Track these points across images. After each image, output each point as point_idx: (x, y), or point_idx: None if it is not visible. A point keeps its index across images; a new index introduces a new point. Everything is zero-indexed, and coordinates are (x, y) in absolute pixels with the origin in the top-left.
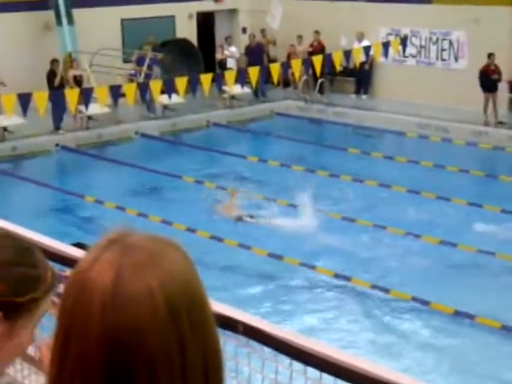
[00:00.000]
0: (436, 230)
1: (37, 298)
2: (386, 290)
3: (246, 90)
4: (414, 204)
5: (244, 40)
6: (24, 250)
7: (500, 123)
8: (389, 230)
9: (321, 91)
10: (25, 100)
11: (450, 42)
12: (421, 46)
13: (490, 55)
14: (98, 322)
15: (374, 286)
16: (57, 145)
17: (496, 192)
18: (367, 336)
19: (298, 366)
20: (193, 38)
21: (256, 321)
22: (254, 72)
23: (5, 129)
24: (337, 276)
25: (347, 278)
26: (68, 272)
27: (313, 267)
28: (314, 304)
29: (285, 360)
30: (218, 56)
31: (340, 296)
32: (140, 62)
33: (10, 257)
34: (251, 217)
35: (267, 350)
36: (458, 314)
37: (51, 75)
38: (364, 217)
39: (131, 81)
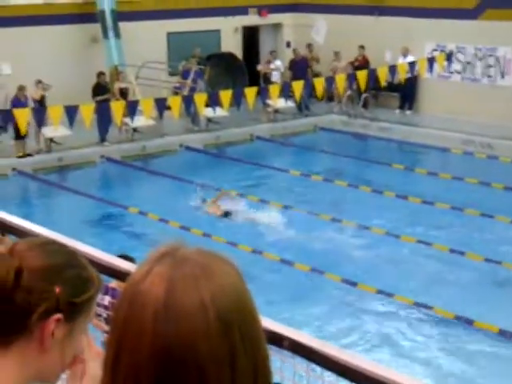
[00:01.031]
0: (480, 247)
1: (92, 297)
2: (429, 307)
3: (290, 104)
4: (458, 221)
5: (288, 54)
6: (71, 253)
7: None
8: (434, 247)
9: (365, 106)
10: (71, 112)
11: (496, 59)
12: (466, 62)
13: None
14: (150, 334)
15: (417, 304)
16: (102, 156)
17: None
18: (410, 353)
19: (344, 382)
20: (238, 52)
21: (303, 336)
22: (298, 86)
23: (51, 140)
24: (380, 292)
25: (390, 295)
26: (113, 283)
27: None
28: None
29: (331, 376)
30: (263, 70)
31: (383, 311)
32: (185, 75)
33: (62, 260)
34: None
35: (313, 366)
36: (503, 333)
37: (97, 88)
38: (407, 232)
39: (176, 94)
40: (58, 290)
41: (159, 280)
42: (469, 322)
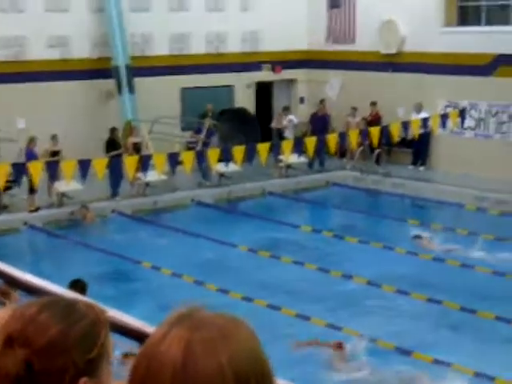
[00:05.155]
0: (491, 304)
1: (104, 342)
2: (448, 364)
3: (303, 159)
4: (470, 278)
5: (302, 109)
6: (69, 308)
7: None
8: (444, 305)
9: (378, 162)
10: (84, 166)
11: (509, 115)
12: (479, 119)
13: None
14: None
15: (437, 360)
16: (113, 211)
17: None
18: None
19: None
20: (251, 107)
21: None
22: (310, 142)
23: (63, 194)
24: (399, 350)
25: (408, 353)
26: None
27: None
28: None
29: None
30: (276, 125)
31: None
32: (198, 130)
33: (64, 325)
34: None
35: None
36: None
37: (110, 143)
38: (418, 290)
39: (189, 149)
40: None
41: (177, 342)
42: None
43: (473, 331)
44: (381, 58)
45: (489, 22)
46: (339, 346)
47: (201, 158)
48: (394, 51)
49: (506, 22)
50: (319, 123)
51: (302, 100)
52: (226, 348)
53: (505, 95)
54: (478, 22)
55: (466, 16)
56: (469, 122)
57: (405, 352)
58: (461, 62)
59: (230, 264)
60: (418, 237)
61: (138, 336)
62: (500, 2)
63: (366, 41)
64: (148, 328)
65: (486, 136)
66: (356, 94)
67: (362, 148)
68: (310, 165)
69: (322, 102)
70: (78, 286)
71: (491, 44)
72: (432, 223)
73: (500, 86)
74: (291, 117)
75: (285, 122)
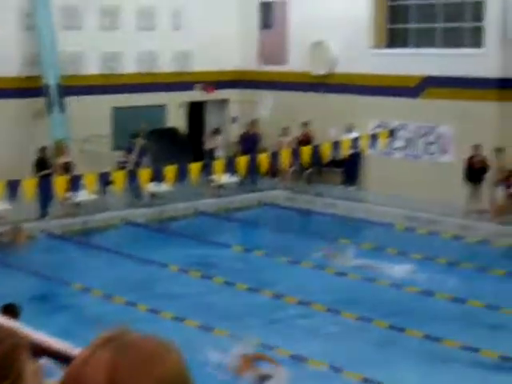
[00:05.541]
0: (420, 323)
1: (20, 368)
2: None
3: (235, 179)
4: (400, 297)
5: (234, 129)
6: None
7: (482, 212)
8: (374, 324)
9: (309, 182)
10: (13, 186)
11: (437, 136)
12: (408, 140)
13: (476, 147)
14: None
15: (366, 379)
16: (42, 231)
17: (484, 286)
18: None
19: None
20: (183, 127)
21: None
22: (243, 161)
23: None
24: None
25: (339, 371)
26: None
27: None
28: None
29: None
30: (207, 145)
31: None
32: (129, 149)
33: None
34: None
35: None
36: None
37: (40, 163)
38: (350, 309)
39: (120, 168)
40: None
41: (102, 365)
42: None
43: (401, 349)
44: (312, 78)
45: (417, 44)
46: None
47: (132, 177)
48: (325, 72)
49: (433, 45)
50: (249, 143)
51: (234, 120)
52: (152, 372)
53: (432, 116)
54: (406, 44)
55: (395, 38)
56: (398, 143)
57: (336, 369)
58: (390, 83)
59: (160, 284)
60: (332, 254)
61: (65, 358)
62: (427, 25)
63: (297, 62)
64: (74, 350)
65: (415, 156)
66: (288, 114)
67: (293, 168)
68: (242, 184)
69: (252, 121)
70: (9, 310)
71: (419, 66)
72: (362, 242)
73: (428, 108)
74: (222, 138)
75: (216, 142)
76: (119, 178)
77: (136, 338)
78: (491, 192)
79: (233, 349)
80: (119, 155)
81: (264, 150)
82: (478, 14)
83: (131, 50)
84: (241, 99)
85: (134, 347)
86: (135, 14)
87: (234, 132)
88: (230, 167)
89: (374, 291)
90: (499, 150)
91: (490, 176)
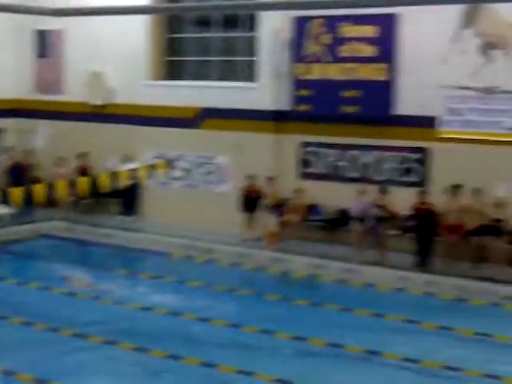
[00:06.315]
0: (197, 349)
1: None
2: None
3: (9, 210)
4: (177, 325)
5: (6, 160)
6: None
7: (258, 240)
8: (151, 354)
9: (86, 212)
10: None
11: (215, 166)
12: (186, 170)
13: (251, 177)
14: None
15: None
16: None
17: (260, 311)
18: None
19: None
20: None
21: None
22: (16, 192)
23: None
24: None
25: None
26: None
27: None
28: None
29: None
30: None
31: None
32: None
33: None
34: None
35: None
36: None
37: None
38: (124, 339)
39: None
40: None
41: None
42: None
43: (179, 376)
44: (90, 108)
45: (195, 77)
46: None
47: None
48: (102, 102)
49: (209, 77)
50: (18, 173)
51: (8, 149)
52: None
53: (210, 147)
54: (184, 76)
55: (172, 70)
56: (177, 173)
57: None
58: (169, 114)
59: None
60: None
61: None
62: (204, 58)
63: (74, 91)
64: None
65: (193, 186)
66: (66, 144)
67: (71, 198)
68: (19, 215)
69: (24, 151)
70: None
71: (197, 97)
72: (140, 273)
73: (206, 138)
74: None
75: None
76: None
77: None
78: (265, 220)
79: None
80: None
81: (38, 181)
82: (251, 48)
83: None
84: (17, 128)
85: None
86: None
87: (8, 162)
88: (4, 198)
89: (150, 320)
90: (272, 179)
91: (263, 204)
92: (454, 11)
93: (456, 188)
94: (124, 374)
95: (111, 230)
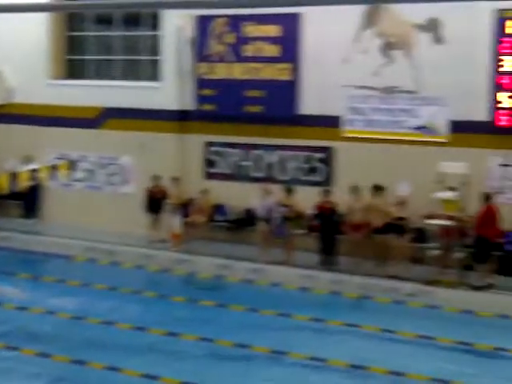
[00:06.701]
0: (102, 354)
1: None
2: None
3: None
4: (81, 329)
5: None
6: None
7: (163, 241)
8: (54, 359)
9: None
10: None
11: (118, 167)
12: (89, 171)
13: (156, 177)
14: None
15: None
16: None
17: (165, 313)
18: None
19: None
20: None
21: None
22: None
23: None
24: None
25: None
26: None
27: None
28: None
29: None
30: None
31: None
32: None
33: None
34: None
35: None
36: None
37: None
38: (25, 344)
39: None
40: None
41: None
42: None
43: (82, 383)
44: None
45: (96, 76)
46: None
47: None
48: (1, 102)
49: (112, 77)
50: None
51: None
52: None
53: (114, 147)
54: (85, 76)
55: (74, 69)
56: (79, 174)
57: None
58: (70, 114)
59: None
60: None
61: None
62: (106, 57)
63: None
64: None
65: (96, 188)
66: None
67: None
68: None
69: None
70: None
71: (99, 97)
72: (42, 276)
73: (109, 139)
74: None
75: None
76: None
77: None
78: (170, 221)
79: None
80: None
81: None
82: (154, 47)
83: None
84: None
85: None
86: None
87: None
88: None
89: (53, 325)
90: (176, 180)
91: (168, 205)
92: (357, 11)
93: (358, 187)
94: (26, 380)
95: (11, 233)
